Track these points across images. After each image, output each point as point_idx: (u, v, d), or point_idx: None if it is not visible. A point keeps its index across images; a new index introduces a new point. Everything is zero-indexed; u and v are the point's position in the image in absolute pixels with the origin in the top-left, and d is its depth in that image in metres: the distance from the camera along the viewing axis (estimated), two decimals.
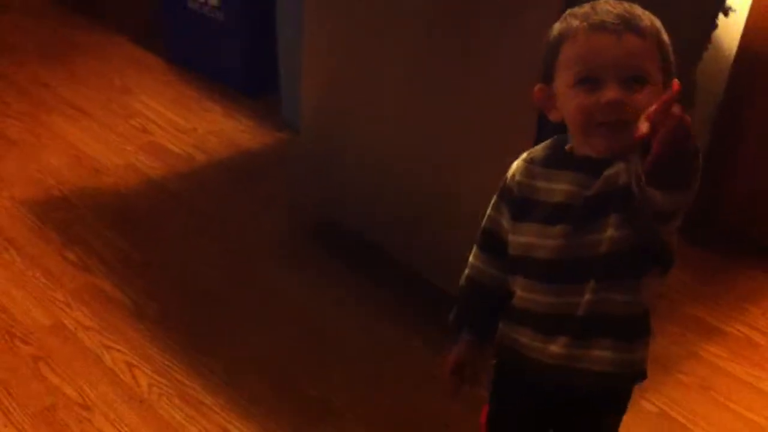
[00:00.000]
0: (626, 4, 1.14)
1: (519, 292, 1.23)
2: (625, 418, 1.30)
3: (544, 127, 1.68)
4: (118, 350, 1.89)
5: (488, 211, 1.29)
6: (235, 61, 2.95)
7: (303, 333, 1.98)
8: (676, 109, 0.94)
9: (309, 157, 2.23)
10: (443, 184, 1.89)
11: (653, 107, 0.95)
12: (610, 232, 1.14)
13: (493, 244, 1.28)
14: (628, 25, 1.11)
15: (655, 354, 1.21)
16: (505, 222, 1.25)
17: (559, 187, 1.18)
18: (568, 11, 1.17)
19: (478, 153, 1.78)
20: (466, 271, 1.32)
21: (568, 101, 1.14)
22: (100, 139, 2.64)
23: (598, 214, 1.15)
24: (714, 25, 1.92)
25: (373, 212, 2.08)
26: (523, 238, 1.21)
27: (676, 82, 1.00)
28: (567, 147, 1.19)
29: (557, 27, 1.17)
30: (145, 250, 2.20)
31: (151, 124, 2.74)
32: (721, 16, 1.91)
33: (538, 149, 1.25)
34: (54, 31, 3.28)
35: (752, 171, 2.27)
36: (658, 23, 1.15)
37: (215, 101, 2.90)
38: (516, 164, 1.25)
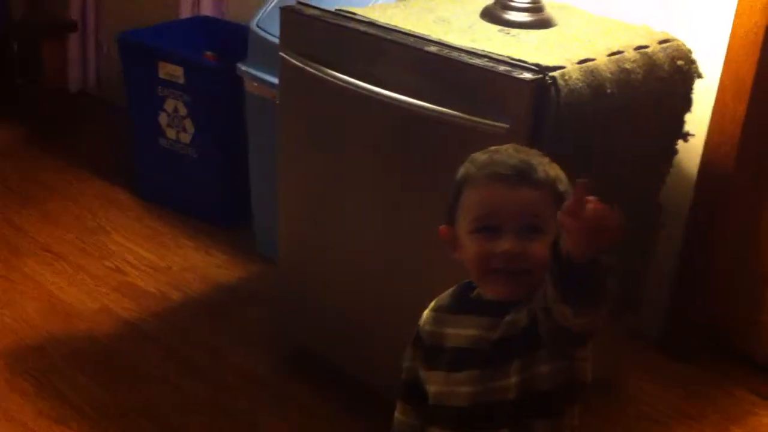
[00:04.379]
0: (524, 154, 1.17)
1: None
2: None
3: None
4: None
5: (404, 363, 1.29)
6: (208, 196, 2.98)
7: None
8: (591, 204, 0.95)
9: (287, 291, 2.23)
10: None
11: (568, 203, 0.96)
12: (514, 378, 1.13)
13: (414, 395, 1.27)
14: (522, 176, 1.13)
15: None
16: (421, 372, 1.25)
17: (465, 333, 1.19)
18: (471, 156, 1.20)
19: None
20: (393, 427, 1.31)
21: (467, 246, 1.17)
22: (74, 282, 2.63)
23: (504, 359, 1.15)
24: (675, 151, 1.98)
25: (354, 346, 2.07)
26: (433, 387, 1.21)
27: (580, 182, 0.99)
28: (474, 293, 1.21)
29: (460, 171, 1.20)
30: (122, 397, 2.16)
31: (125, 264, 2.73)
32: (680, 141, 1.97)
33: (445, 296, 1.26)
34: (25, 172, 3.30)
35: (724, 284, 2.30)
36: (554, 172, 1.16)
37: (189, 237, 2.91)
38: (425, 314, 1.27)
